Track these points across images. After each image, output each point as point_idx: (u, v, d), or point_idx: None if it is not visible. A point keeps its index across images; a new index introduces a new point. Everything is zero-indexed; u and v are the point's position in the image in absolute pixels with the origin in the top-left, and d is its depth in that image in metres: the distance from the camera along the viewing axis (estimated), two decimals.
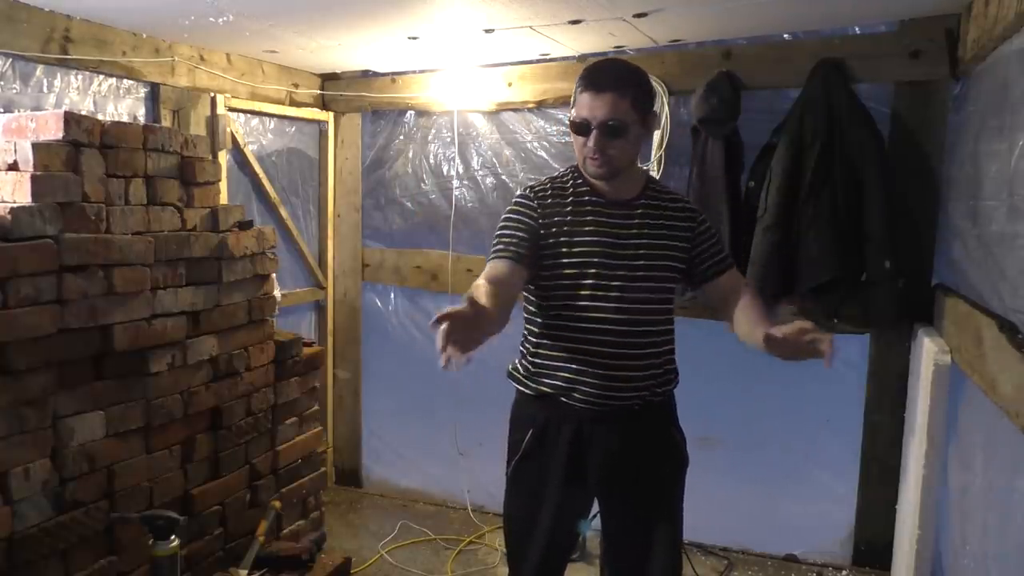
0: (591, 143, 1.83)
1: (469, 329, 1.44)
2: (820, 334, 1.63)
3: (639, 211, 1.92)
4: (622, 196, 1.93)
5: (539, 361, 1.95)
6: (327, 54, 3.38)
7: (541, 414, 1.95)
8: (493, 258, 1.88)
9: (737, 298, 1.96)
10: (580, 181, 1.95)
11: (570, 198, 1.93)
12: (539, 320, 1.96)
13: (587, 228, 1.89)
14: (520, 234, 1.88)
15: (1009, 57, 1.98)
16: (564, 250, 1.89)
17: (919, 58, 2.81)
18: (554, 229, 1.89)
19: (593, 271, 1.87)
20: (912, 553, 2.42)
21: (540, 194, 1.94)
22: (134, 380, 2.30)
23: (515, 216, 1.92)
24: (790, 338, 1.66)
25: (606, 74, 1.85)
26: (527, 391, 1.98)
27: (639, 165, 2.05)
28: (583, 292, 1.88)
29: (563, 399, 1.90)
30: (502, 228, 1.93)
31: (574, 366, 1.88)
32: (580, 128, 1.84)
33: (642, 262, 1.89)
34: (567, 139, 3.42)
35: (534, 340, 1.97)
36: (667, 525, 1.98)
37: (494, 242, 1.92)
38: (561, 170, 2.03)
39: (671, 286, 1.96)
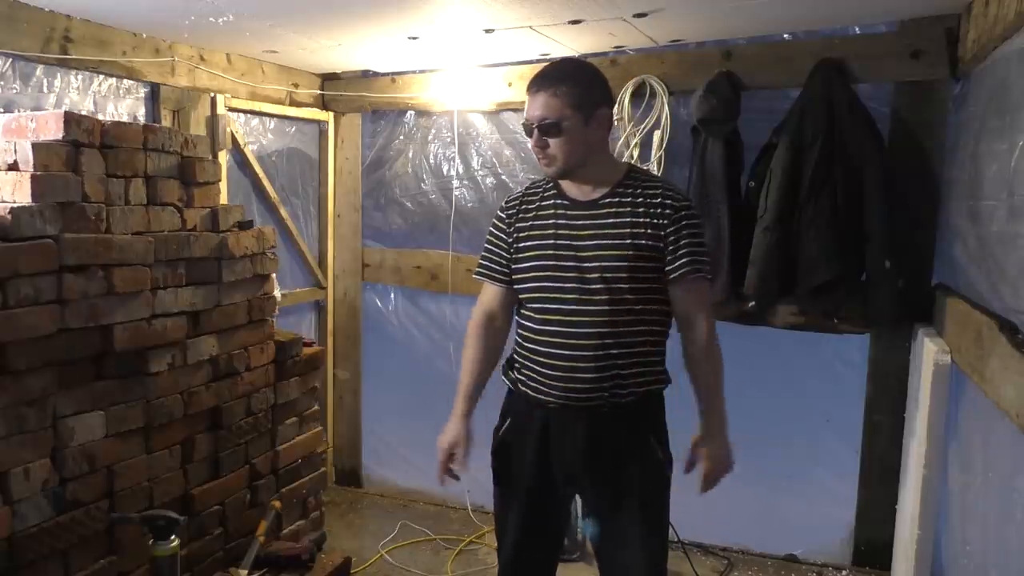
0: (533, 142, 1.91)
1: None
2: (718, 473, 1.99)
3: (603, 210, 1.91)
4: (589, 195, 1.94)
5: (515, 357, 2.04)
6: (327, 54, 3.38)
7: (517, 405, 2.04)
8: (483, 277, 2.09)
9: (690, 325, 1.94)
10: (550, 185, 2.01)
11: (536, 202, 2.01)
12: (517, 318, 2.07)
13: (546, 231, 1.95)
14: (500, 252, 2.04)
15: (1009, 57, 1.98)
16: (525, 253, 1.98)
17: (919, 58, 2.81)
18: (517, 235, 2.01)
19: (548, 273, 1.93)
20: (912, 553, 2.42)
21: (511, 205, 2.06)
22: (134, 380, 2.30)
23: (494, 231, 2.08)
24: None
25: (541, 75, 1.90)
26: (508, 383, 2.09)
27: (619, 160, 2.09)
28: (542, 294, 1.94)
29: (531, 393, 1.97)
30: (487, 243, 2.09)
31: (537, 365, 1.94)
32: (526, 129, 1.93)
33: (596, 264, 1.87)
34: None
35: (515, 338, 2.06)
36: (640, 527, 1.95)
37: (483, 254, 2.10)
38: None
39: (642, 287, 1.88)
